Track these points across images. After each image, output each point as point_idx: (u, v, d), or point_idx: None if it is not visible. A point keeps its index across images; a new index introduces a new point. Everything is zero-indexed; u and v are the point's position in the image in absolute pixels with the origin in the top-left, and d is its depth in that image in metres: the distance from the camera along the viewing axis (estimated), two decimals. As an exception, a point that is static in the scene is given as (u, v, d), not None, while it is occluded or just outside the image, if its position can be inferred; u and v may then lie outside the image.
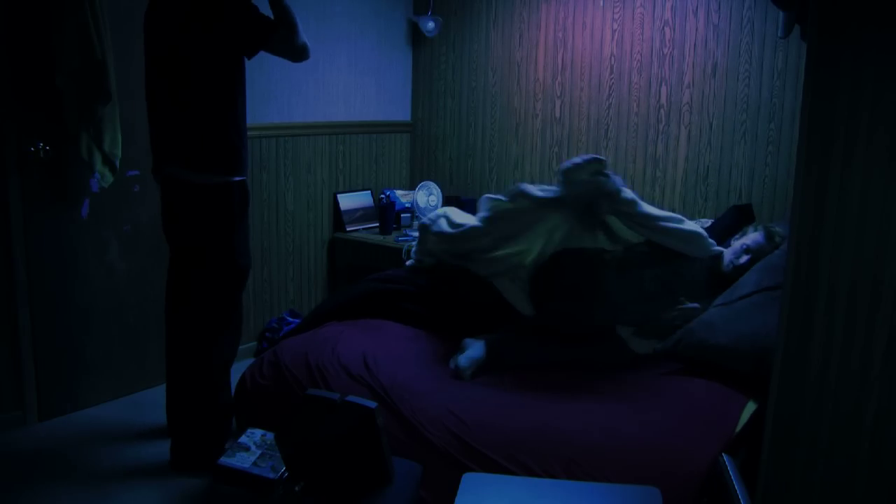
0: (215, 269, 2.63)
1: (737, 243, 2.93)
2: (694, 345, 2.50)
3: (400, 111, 4.73)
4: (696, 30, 3.77)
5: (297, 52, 2.63)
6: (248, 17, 2.54)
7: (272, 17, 2.59)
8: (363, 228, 4.35)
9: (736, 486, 1.75)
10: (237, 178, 2.61)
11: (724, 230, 3.45)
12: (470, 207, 4.38)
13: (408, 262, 3.28)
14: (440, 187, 4.45)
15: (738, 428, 2.16)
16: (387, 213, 4.25)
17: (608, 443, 2.03)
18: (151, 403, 3.30)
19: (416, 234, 3.36)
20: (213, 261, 2.62)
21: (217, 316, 2.67)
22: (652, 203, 3.97)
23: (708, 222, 3.65)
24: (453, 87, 4.63)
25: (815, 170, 1.42)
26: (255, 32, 2.55)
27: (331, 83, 4.19)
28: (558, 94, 4.24)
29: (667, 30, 3.85)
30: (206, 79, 2.52)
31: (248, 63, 3.69)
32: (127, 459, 2.78)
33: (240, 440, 2.36)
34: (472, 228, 2.91)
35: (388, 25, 4.52)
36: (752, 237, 2.91)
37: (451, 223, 3.02)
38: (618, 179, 2.74)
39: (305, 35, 2.63)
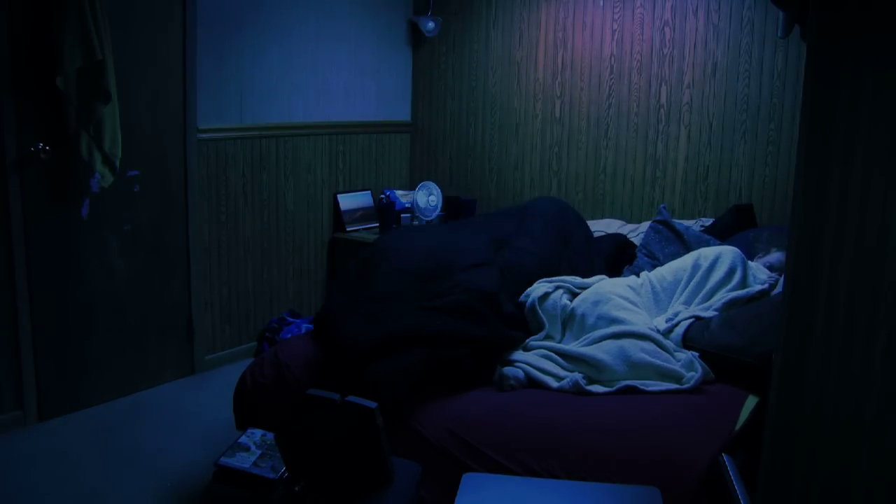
0: None
1: (760, 261, 2.93)
2: (707, 340, 2.49)
3: (400, 111, 4.73)
4: (696, 30, 3.77)
5: None
6: None
7: None
8: (363, 228, 4.35)
9: (736, 486, 1.75)
10: None
11: (725, 230, 3.46)
12: (470, 207, 4.40)
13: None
14: (440, 187, 4.45)
15: (738, 427, 2.16)
16: (387, 214, 4.25)
17: (608, 442, 2.03)
18: (151, 403, 3.31)
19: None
20: None
21: None
22: (651, 203, 3.99)
23: (708, 222, 3.66)
24: (453, 87, 4.63)
25: (815, 170, 1.42)
26: None
27: (331, 83, 4.19)
28: (558, 94, 4.24)
29: (667, 30, 3.86)
30: None
31: (248, 63, 3.71)
32: (127, 459, 2.79)
33: (240, 440, 2.36)
34: None
35: (388, 25, 4.52)
36: (775, 257, 2.91)
37: None
38: None
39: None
